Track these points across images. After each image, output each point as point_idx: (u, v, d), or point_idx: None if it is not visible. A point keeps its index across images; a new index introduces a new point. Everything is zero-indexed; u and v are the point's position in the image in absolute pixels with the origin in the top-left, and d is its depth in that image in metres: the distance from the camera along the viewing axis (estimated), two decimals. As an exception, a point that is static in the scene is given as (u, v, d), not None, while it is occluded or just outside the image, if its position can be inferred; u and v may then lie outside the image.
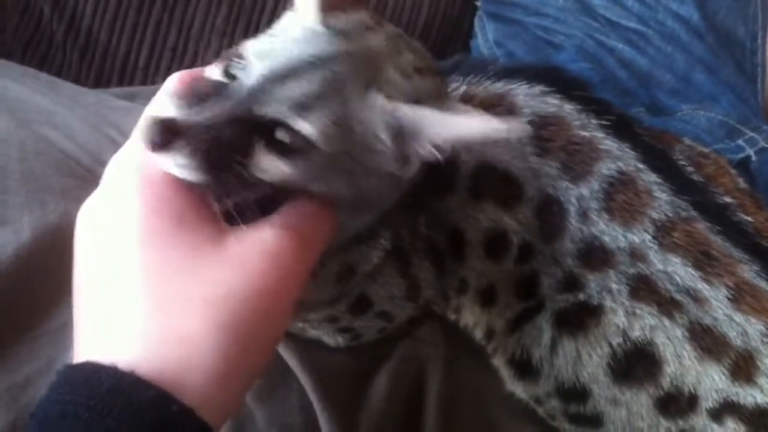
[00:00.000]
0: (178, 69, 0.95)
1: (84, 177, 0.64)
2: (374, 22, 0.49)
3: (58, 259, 0.55)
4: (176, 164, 0.42)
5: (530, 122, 0.61)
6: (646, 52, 0.93)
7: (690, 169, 0.64)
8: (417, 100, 0.46)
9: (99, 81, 0.98)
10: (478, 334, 0.69)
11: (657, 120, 0.87)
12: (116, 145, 0.53)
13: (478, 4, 1.08)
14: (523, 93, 0.62)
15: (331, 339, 0.68)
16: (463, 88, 0.63)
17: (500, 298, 0.66)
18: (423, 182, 0.59)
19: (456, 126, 0.45)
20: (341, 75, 0.44)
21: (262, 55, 0.44)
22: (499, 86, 0.63)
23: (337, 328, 0.67)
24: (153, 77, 0.99)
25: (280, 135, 0.43)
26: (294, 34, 0.46)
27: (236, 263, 0.42)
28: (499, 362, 0.69)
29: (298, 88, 0.43)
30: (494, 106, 0.62)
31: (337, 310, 0.64)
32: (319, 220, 0.46)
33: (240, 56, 0.45)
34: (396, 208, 0.56)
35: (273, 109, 0.43)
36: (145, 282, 0.41)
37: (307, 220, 0.46)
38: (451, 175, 0.62)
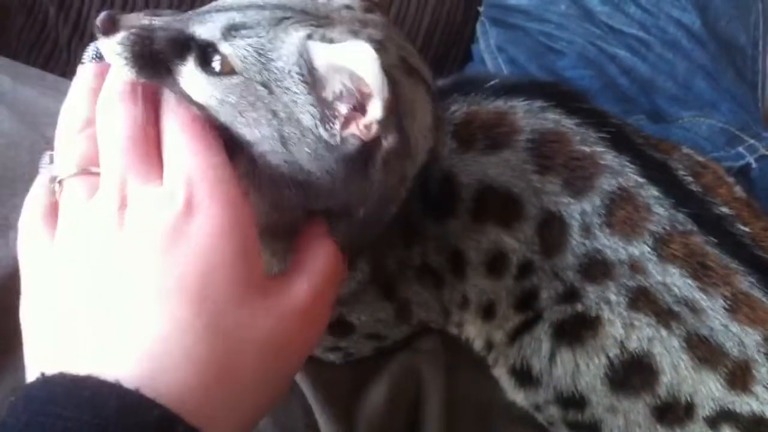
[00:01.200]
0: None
1: None
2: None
3: None
4: (113, 51, 0.45)
5: (530, 140, 0.62)
6: (647, 58, 0.93)
7: (689, 179, 0.64)
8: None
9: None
10: (478, 345, 0.70)
11: (657, 127, 0.87)
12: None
13: (481, 9, 1.08)
14: (522, 110, 0.63)
15: (324, 356, 0.69)
16: (464, 108, 0.63)
17: (499, 311, 0.66)
18: (422, 211, 0.61)
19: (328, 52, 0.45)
20: (283, 17, 0.46)
21: None
22: (500, 104, 0.63)
23: (324, 347, 0.67)
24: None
25: (215, 63, 0.46)
26: None
27: (277, 315, 0.44)
28: (499, 372, 0.69)
29: (237, 18, 0.46)
30: (495, 126, 0.62)
31: None
32: (336, 264, 0.48)
33: None
34: (381, 243, 0.58)
35: (206, 29, 0.46)
36: (180, 301, 0.41)
37: (329, 268, 0.48)
38: (452, 199, 0.62)
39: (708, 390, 0.62)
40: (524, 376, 0.66)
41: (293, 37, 0.45)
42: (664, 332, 0.61)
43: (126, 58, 0.45)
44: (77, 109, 0.48)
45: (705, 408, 0.63)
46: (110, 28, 0.45)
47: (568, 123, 0.62)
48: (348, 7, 0.49)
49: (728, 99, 0.91)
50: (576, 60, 0.93)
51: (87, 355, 0.40)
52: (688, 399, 0.62)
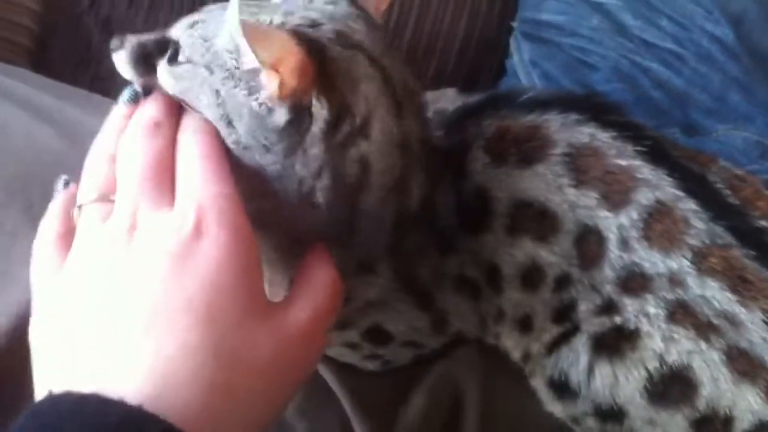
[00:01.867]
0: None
1: None
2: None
3: None
4: (121, 61, 0.54)
5: (565, 154, 0.62)
6: (681, 72, 0.93)
7: (727, 192, 0.64)
8: None
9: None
10: (516, 356, 0.70)
11: (692, 140, 0.88)
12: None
13: (514, 24, 1.09)
14: (556, 124, 0.63)
15: (362, 365, 0.70)
16: (496, 123, 0.64)
17: (536, 324, 0.67)
18: (456, 224, 0.63)
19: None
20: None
21: None
22: (533, 118, 0.64)
23: (363, 356, 0.68)
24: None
25: (180, 56, 0.52)
26: None
27: (279, 338, 0.45)
28: (536, 383, 0.69)
29: (200, 16, 0.53)
30: (528, 140, 0.63)
31: (349, 337, 0.66)
32: (336, 290, 0.50)
33: None
34: (408, 250, 0.60)
35: (176, 29, 0.53)
36: (187, 323, 0.42)
37: (329, 293, 0.49)
38: (486, 214, 0.63)
39: (747, 403, 0.62)
40: (562, 388, 0.67)
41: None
42: (703, 345, 0.61)
43: (129, 64, 0.53)
44: (105, 145, 0.52)
45: (744, 421, 0.62)
46: (119, 45, 0.54)
47: (603, 136, 0.63)
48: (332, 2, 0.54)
49: (763, 112, 0.91)
50: (609, 74, 0.94)
51: (93, 373, 0.41)
52: (727, 412, 0.62)
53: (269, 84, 0.48)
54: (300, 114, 0.49)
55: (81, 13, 1.02)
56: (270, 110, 0.49)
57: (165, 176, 0.47)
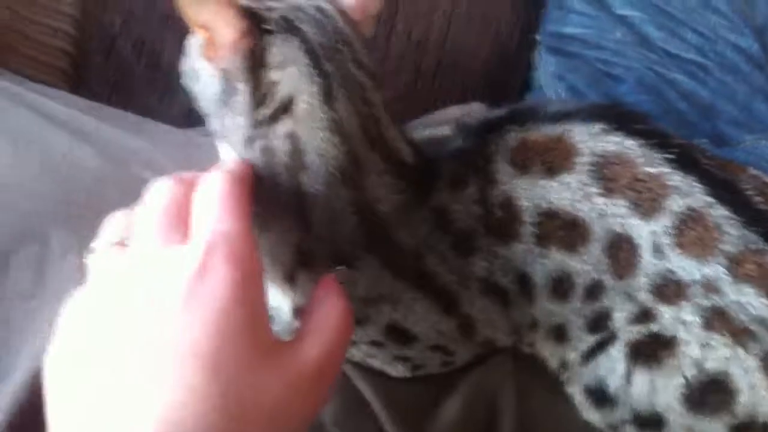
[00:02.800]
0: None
1: None
2: None
3: None
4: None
5: (592, 163, 0.62)
6: (707, 83, 0.94)
7: (758, 199, 0.64)
8: None
9: (181, 122, 1.02)
10: (552, 364, 0.71)
11: (720, 151, 0.88)
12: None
13: (538, 38, 1.10)
14: (580, 133, 0.63)
15: (392, 368, 0.70)
16: (520, 135, 0.64)
17: (572, 333, 0.67)
18: (478, 228, 0.63)
19: None
20: None
21: None
22: (556, 128, 0.64)
23: (393, 356, 0.69)
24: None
25: None
26: None
27: (288, 379, 0.44)
28: (573, 391, 0.70)
29: None
30: (551, 149, 0.63)
31: (369, 334, 0.66)
32: (347, 323, 0.50)
33: None
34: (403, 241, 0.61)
35: None
36: (194, 367, 0.41)
37: (339, 327, 0.49)
38: (514, 223, 0.63)
39: None
40: (599, 396, 0.67)
41: None
42: (740, 352, 0.61)
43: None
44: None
45: None
46: None
47: (630, 144, 0.62)
48: None
49: (789, 122, 0.92)
50: (635, 86, 0.95)
51: (104, 424, 0.41)
52: (767, 419, 0.62)
53: (200, 45, 0.54)
54: (230, 84, 0.54)
55: (115, 35, 1.04)
56: (210, 80, 0.55)
57: (181, 217, 0.47)
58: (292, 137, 0.55)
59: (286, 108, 0.55)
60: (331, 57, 0.56)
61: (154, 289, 0.43)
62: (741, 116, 0.92)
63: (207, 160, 0.75)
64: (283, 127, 0.55)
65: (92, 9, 1.05)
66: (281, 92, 0.55)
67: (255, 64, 0.54)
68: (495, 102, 1.10)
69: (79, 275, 0.59)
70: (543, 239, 0.63)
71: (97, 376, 0.42)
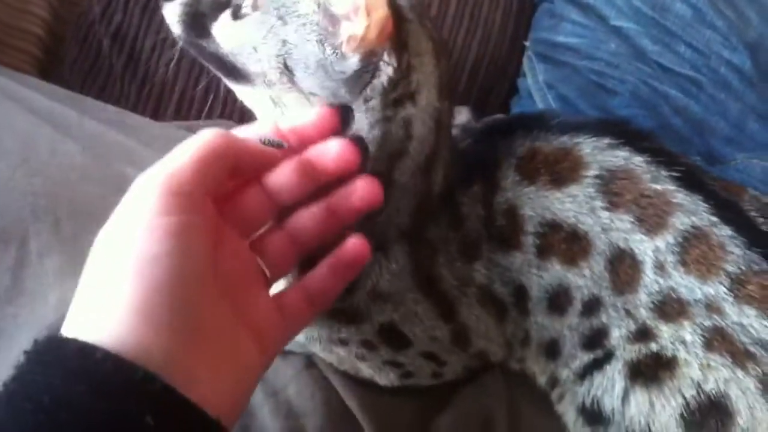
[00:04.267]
0: (233, 106, 0.97)
1: None
2: None
3: None
4: (172, 13, 0.57)
5: (598, 176, 0.62)
6: (700, 99, 0.94)
7: (760, 220, 0.64)
8: None
9: (156, 115, 0.99)
10: (541, 381, 0.70)
11: (713, 169, 0.88)
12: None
13: (527, 44, 1.09)
14: (589, 147, 0.63)
15: (382, 374, 0.68)
16: (528, 145, 0.64)
17: (564, 349, 0.66)
18: (484, 233, 0.63)
19: None
20: None
21: None
22: (564, 140, 0.64)
23: (383, 361, 0.67)
24: (208, 113, 1.00)
25: (245, 8, 0.54)
26: None
27: None
28: (564, 409, 0.69)
29: None
30: (559, 161, 0.63)
31: (364, 332, 0.64)
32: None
33: None
34: (427, 240, 0.61)
35: None
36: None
37: None
38: (516, 231, 0.63)
39: None
40: (594, 415, 0.66)
41: None
42: (740, 373, 0.60)
43: (180, 19, 0.57)
44: None
45: None
46: None
47: (637, 160, 0.63)
48: None
49: (781, 141, 0.92)
50: (629, 99, 0.94)
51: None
52: None
53: (354, 31, 0.51)
54: (368, 66, 0.53)
55: (92, 22, 1.00)
56: (340, 58, 0.52)
57: None
58: (407, 123, 0.56)
59: (412, 95, 0.55)
60: (441, 52, 0.58)
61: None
62: (733, 134, 0.93)
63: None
64: (404, 111, 0.55)
65: (68, -7, 1.00)
66: (414, 80, 0.55)
67: (401, 47, 0.54)
68: (480, 106, 1.10)
69: (57, 279, 0.57)
70: (544, 251, 0.63)
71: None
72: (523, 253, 0.63)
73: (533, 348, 0.68)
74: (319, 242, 0.54)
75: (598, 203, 0.62)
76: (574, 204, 0.62)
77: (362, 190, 0.52)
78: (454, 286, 0.64)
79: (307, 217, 0.53)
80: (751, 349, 0.60)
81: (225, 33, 0.55)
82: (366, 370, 0.68)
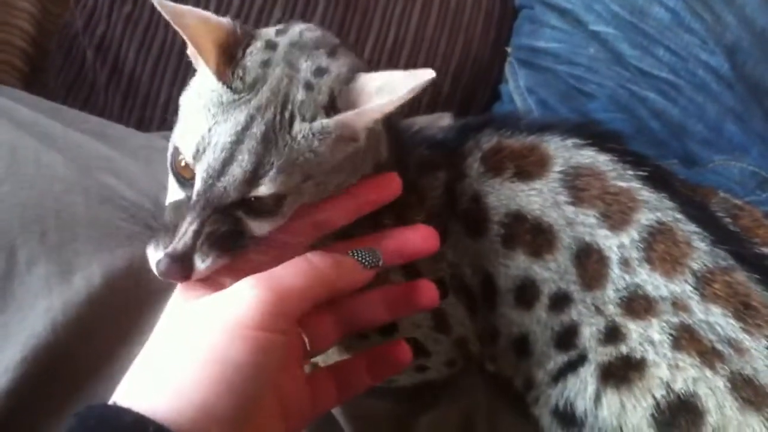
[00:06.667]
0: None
1: (147, 222, 0.65)
2: (266, 45, 0.54)
3: (125, 302, 0.62)
4: (204, 268, 0.50)
5: (563, 172, 0.63)
6: (678, 102, 0.94)
7: (727, 220, 0.65)
8: (335, 89, 0.53)
9: (140, 125, 1.00)
10: (517, 383, 0.70)
11: (690, 172, 0.88)
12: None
13: (509, 50, 1.10)
14: (555, 144, 0.64)
15: None
16: (495, 140, 0.65)
17: (536, 348, 0.66)
18: (449, 217, 0.65)
19: (393, 92, 0.51)
20: (263, 133, 0.50)
21: (197, 156, 0.51)
22: (532, 138, 0.65)
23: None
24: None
25: (254, 199, 0.51)
26: (206, 110, 0.52)
27: None
28: (540, 411, 0.69)
29: (238, 169, 0.50)
30: (525, 156, 0.64)
31: None
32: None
33: (183, 166, 0.52)
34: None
35: (232, 195, 0.51)
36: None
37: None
38: (482, 219, 0.64)
39: (753, 431, 0.61)
40: (567, 417, 0.66)
41: (297, 130, 0.52)
42: (708, 372, 0.60)
43: (216, 262, 0.51)
44: None
45: None
46: (184, 269, 0.50)
47: (603, 159, 0.64)
48: None
49: (758, 142, 0.92)
50: (607, 103, 0.95)
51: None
52: None
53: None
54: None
55: (75, 34, 1.01)
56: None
57: None
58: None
59: None
60: None
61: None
62: (710, 136, 0.93)
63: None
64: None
65: (52, 6, 1.01)
66: None
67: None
68: (463, 112, 1.10)
69: (45, 288, 0.58)
70: (509, 240, 0.64)
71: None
72: (490, 241, 0.64)
73: (503, 344, 0.68)
74: (368, 328, 0.58)
75: (563, 198, 0.63)
76: (538, 197, 0.63)
77: (429, 292, 0.57)
78: (429, 262, 0.64)
79: (364, 307, 0.56)
80: (719, 347, 0.60)
81: (263, 227, 0.53)
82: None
